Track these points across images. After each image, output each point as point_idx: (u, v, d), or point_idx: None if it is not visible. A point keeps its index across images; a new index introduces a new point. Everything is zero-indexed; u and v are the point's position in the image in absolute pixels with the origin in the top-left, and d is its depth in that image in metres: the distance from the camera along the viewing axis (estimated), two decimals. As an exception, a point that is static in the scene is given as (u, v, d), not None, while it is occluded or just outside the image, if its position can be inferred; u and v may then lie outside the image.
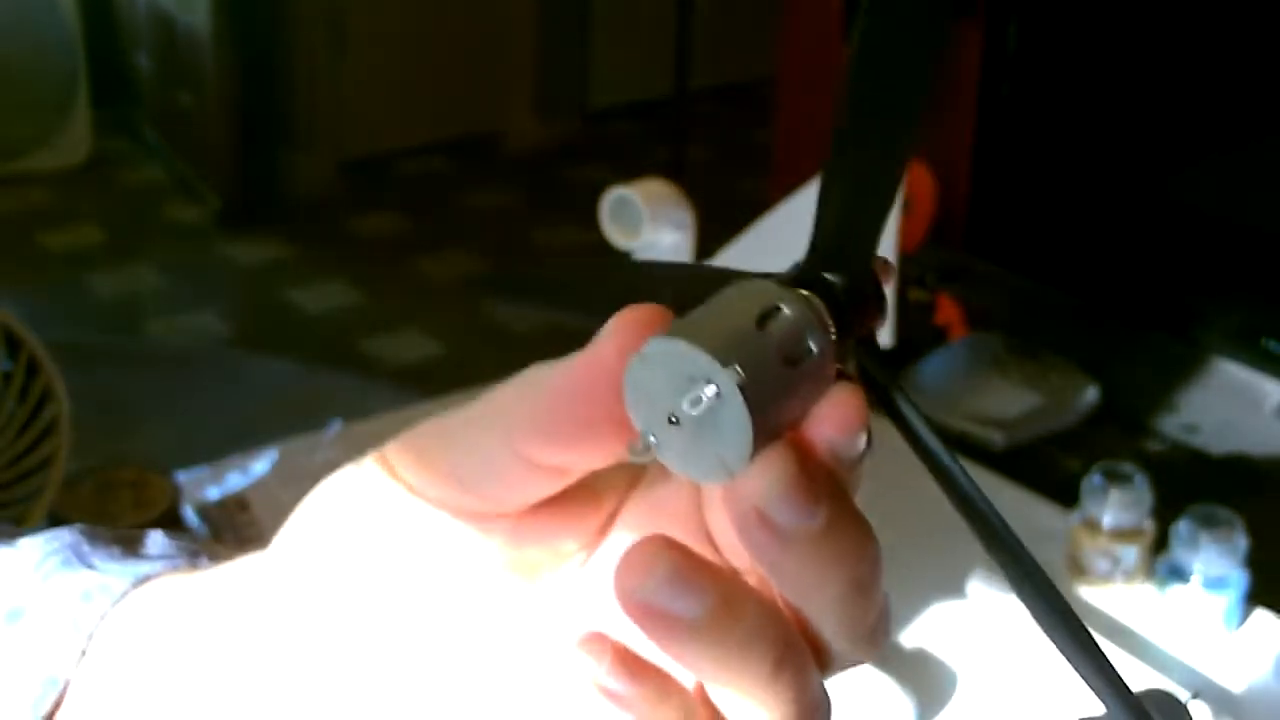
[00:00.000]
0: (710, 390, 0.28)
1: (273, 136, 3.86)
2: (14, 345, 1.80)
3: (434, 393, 1.43)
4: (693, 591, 0.30)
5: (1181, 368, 1.56)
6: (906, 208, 1.85)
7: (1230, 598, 1.05)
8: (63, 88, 3.82)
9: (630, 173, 0.81)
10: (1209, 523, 1.05)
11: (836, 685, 1.00)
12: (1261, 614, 1.09)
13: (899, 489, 1.26)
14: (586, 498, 0.35)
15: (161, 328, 3.22)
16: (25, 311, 2.15)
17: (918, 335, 1.69)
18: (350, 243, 3.65)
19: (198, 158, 3.81)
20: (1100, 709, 0.98)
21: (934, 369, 1.59)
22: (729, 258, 0.81)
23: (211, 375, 2.91)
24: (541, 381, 0.33)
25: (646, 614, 0.30)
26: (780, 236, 0.81)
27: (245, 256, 3.54)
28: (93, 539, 0.41)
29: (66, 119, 3.85)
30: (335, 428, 1.29)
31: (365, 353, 3.10)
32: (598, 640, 0.32)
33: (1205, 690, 0.98)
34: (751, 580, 0.33)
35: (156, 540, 0.41)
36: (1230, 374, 1.53)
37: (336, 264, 3.48)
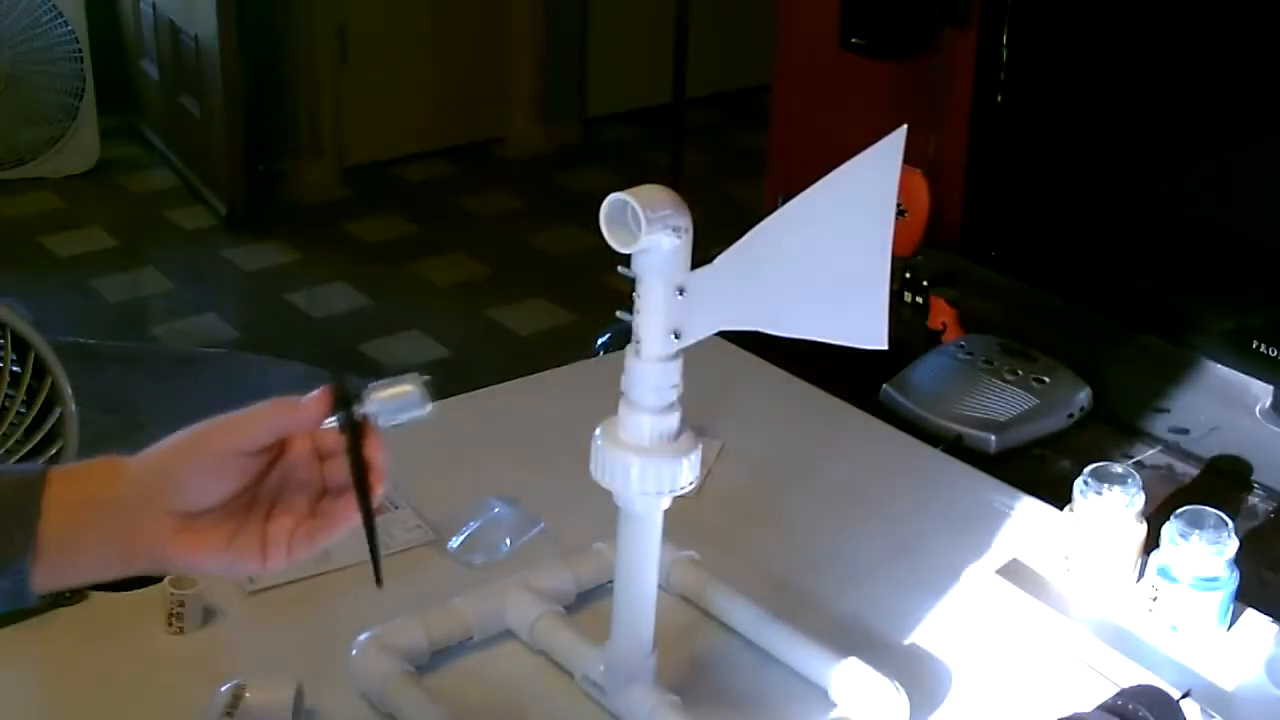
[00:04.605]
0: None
1: (277, 142, 3.87)
2: (22, 347, 1.82)
3: (436, 395, 1.44)
4: None
5: (1173, 370, 1.57)
6: (902, 213, 1.86)
7: (1221, 597, 1.06)
8: (71, 95, 3.84)
9: (629, 178, 0.82)
10: (1199, 523, 1.05)
11: (832, 682, 1.02)
12: (1251, 614, 1.10)
13: (896, 490, 1.28)
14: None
15: (167, 331, 3.23)
16: (33, 314, 2.17)
17: (912, 337, 1.70)
18: (353, 247, 3.66)
19: (203, 163, 3.83)
20: (1089, 707, 0.99)
21: (928, 371, 1.60)
22: (728, 262, 0.83)
23: (216, 377, 2.92)
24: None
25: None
26: (777, 240, 0.82)
27: (250, 260, 3.56)
28: None
29: (74, 126, 3.87)
30: (339, 429, 1.30)
31: (368, 355, 3.11)
32: None
33: (1196, 689, 0.99)
34: None
35: None
36: (1221, 377, 1.54)
37: (340, 268, 3.50)
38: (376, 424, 0.75)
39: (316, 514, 0.77)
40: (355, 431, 0.74)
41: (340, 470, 0.75)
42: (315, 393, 0.75)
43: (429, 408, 0.76)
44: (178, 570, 0.76)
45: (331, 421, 0.75)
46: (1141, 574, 1.10)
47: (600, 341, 1.88)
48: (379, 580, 0.75)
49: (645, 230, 0.80)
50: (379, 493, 0.75)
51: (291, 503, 0.77)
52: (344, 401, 0.74)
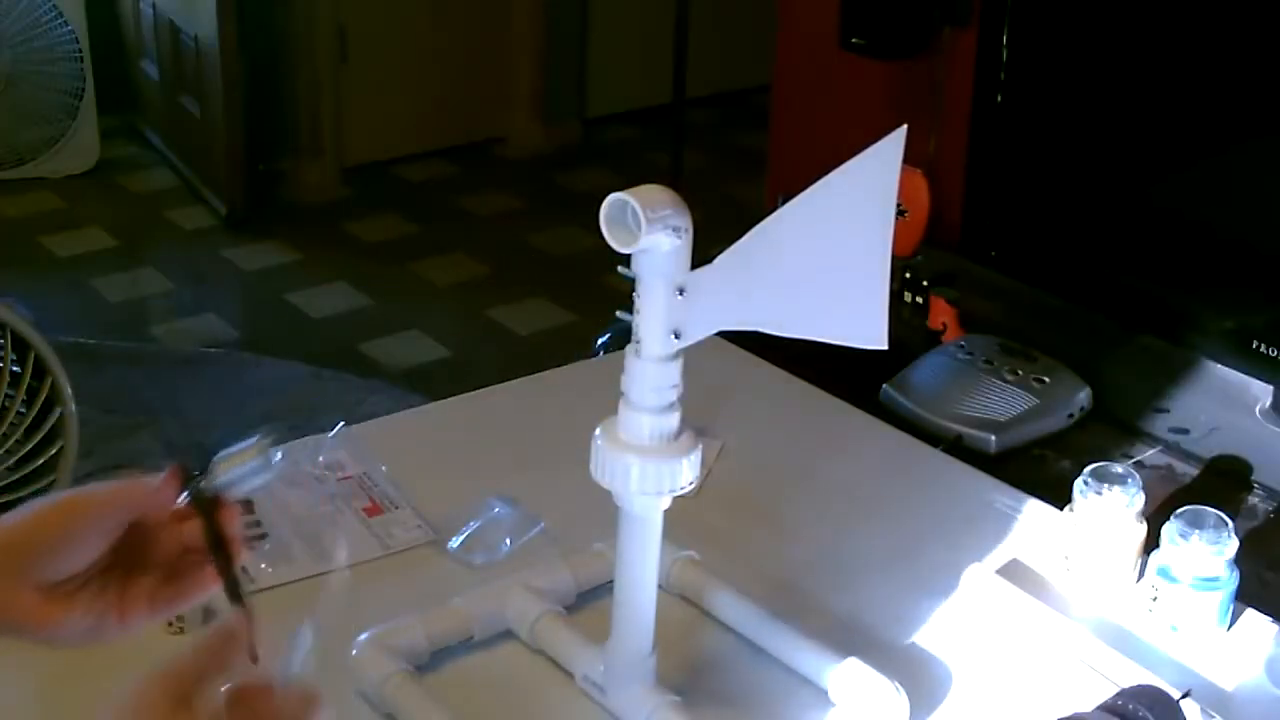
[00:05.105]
0: None
1: (277, 142, 3.87)
2: (22, 347, 1.82)
3: (435, 395, 1.45)
4: None
5: (1173, 370, 1.57)
6: (902, 213, 1.86)
7: (1221, 597, 1.06)
8: (71, 95, 3.84)
9: (629, 178, 0.82)
10: (1199, 523, 1.05)
11: (832, 682, 1.02)
12: (1251, 614, 1.10)
13: (896, 490, 1.28)
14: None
15: (167, 331, 3.23)
16: (33, 314, 2.17)
17: (912, 337, 1.71)
18: (353, 247, 3.67)
19: (203, 163, 3.83)
20: (1089, 707, 0.99)
21: (928, 371, 1.60)
22: (728, 262, 0.83)
23: (216, 377, 2.92)
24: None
25: None
26: (777, 240, 0.82)
27: (250, 260, 3.56)
28: None
29: (74, 126, 3.87)
30: (338, 429, 1.30)
31: (368, 355, 3.11)
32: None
33: (1196, 689, 0.99)
34: None
35: None
36: (1221, 376, 1.54)
37: (340, 268, 3.50)
38: (229, 495, 0.76)
39: (178, 574, 0.76)
40: (207, 509, 0.75)
41: (198, 530, 0.76)
42: (164, 475, 0.75)
43: (276, 465, 0.76)
44: (37, 643, 0.76)
45: (185, 498, 0.75)
46: (1141, 574, 1.10)
47: (600, 341, 1.88)
48: (254, 658, 0.74)
49: (645, 230, 0.80)
50: (238, 562, 0.75)
51: (153, 560, 0.76)
52: (191, 479, 0.75)
